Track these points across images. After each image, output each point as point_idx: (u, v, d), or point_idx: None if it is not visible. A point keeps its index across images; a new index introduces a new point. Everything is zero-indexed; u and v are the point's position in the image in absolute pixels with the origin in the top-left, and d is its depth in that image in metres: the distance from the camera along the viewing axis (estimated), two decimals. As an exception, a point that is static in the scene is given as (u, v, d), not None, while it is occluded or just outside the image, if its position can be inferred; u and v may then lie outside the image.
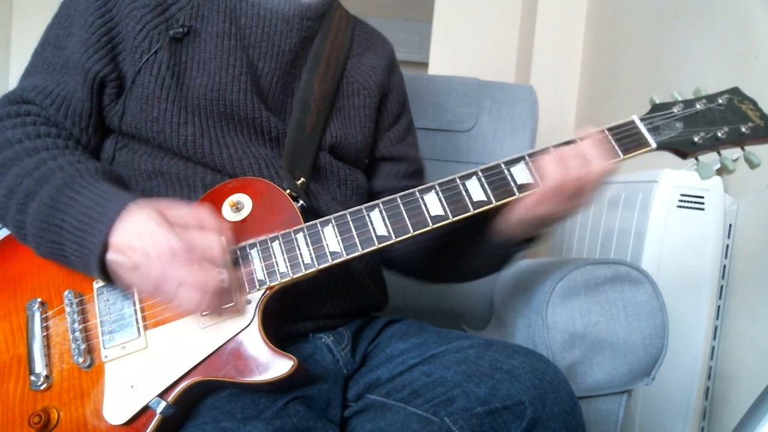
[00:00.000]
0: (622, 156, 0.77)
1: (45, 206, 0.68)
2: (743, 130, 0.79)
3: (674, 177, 1.22)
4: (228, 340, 0.68)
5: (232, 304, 0.68)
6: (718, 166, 0.82)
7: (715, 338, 1.25)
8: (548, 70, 2.16)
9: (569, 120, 2.16)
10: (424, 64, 2.56)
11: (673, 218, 1.22)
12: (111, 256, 0.64)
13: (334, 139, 0.90)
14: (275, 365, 0.67)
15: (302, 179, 0.83)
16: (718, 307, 1.25)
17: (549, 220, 0.78)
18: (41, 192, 0.68)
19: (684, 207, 1.22)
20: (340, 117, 0.93)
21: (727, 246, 1.24)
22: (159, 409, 0.65)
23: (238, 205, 0.74)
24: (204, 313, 0.69)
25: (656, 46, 1.63)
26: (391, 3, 4.00)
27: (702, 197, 1.21)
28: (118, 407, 0.66)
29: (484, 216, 0.81)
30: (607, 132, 0.78)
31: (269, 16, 0.85)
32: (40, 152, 0.73)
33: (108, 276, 0.67)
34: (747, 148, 0.81)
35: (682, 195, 1.22)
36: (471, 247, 0.88)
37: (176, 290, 0.63)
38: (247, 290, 0.70)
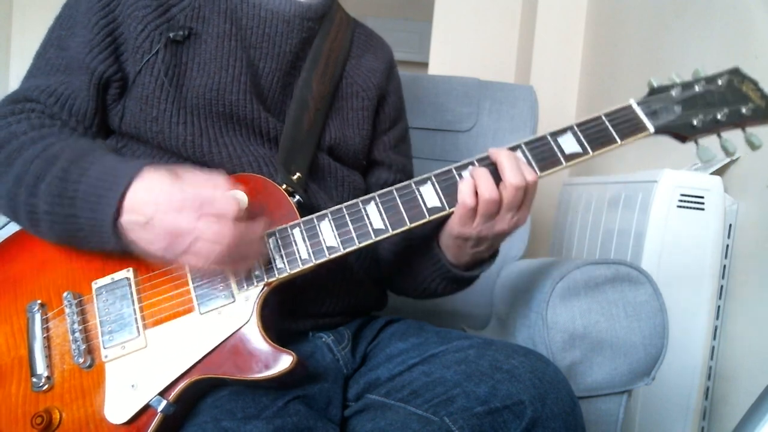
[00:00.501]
0: (619, 142, 0.76)
1: (58, 180, 0.67)
2: (744, 111, 0.78)
3: (674, 177, 1.22)
4: (227, 337, 0.68)
5: (253, 259, 0.68)
6: (724, 161, 0.81)
7: (715, 338, 1.25)
8: (548, 70, 2.16)
9: (569, 120, 2.15)
10: (424, 64, 2.56)
11: (673, 218, 1.22)
12: (124, 217, 0.64)
13: (332, 140, 0.90)
14: (274, 361, 0.67)
15: (298, 174, 0.83)
16: (718, 307, 1.25)
17: (481, 242, 0.78)
18: (52, 169, 0.68)
19: (684, 207, 1.22)
20: (339, 118, 0.93)
21: (727, 246, 1.24)
22: (160, 408, 0.65)
23: None
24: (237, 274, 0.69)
25: (656, 46, 1.63)
26: (391, 3, 4.00)
27: (702, 197, 1.21)
28: (119, 406, 0.66)
29: (433, 235, 0.82)
30: (603, 117, 0.77)
31: (270, 17, 0.85)
32: (45, 138, 0.73)
33: (125, 245, 0.66)
34: (748, 129, 0.79)
35: (682, 195, 1.22)
36: (421, 266, 0.88)
37: (190, 244, 0.62)
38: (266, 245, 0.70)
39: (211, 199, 0.63)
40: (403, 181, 0.87)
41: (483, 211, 0.73)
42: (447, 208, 0.74)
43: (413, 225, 0.73)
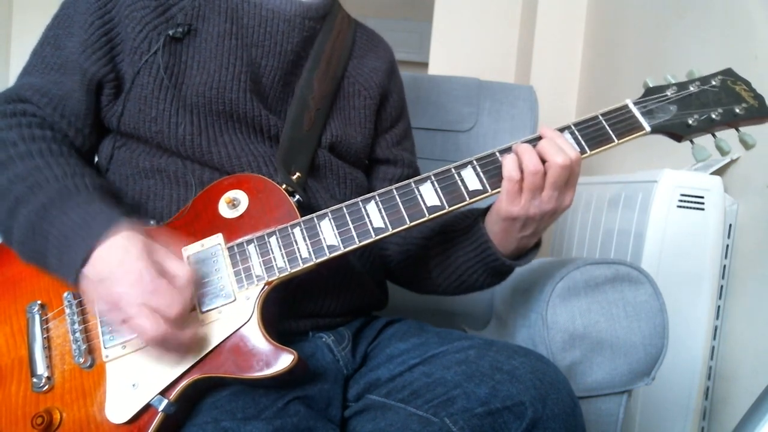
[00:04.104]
0: (616, 141, 0.77)
1: (35, 215, 0.68)
2: (737, 110, 0.79)
3: (674, 177, 1.22)
4: (228, 337, 0.68)
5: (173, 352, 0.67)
6: (724, 161, 0.82)
7: (715, 338, 1.25)
8: (548, 70, 2.16)
9: (569, 120, 2.16)
10: (424, 64, 2.56)
11: (673, 218, 1.22)
12: (85, 269, 0.65)
13: (334, 138, 0.90)
14: (275, 360, 0.67)
15: (298, 174, 0.83)
16: (718, 307, 1.25)
17: (528, 223, 0.78)
18: (33, 200, 0.68)
19: (684, 207, 1.22)
20: (341, 117, 0.93)
21: (727, 246, 1.24)
22: (161, 407, 0.65)
23: (234, 202, 0.75)
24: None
25: (656, 47, 1.63)
26: (391, 3, 4.00)
27: (702, 197, 1.21)
28: (120, 406, 0.66)
29: (477, 225, 0.82)
30: (600, 117, 0.78)
31: (271, 16, 0.85)
32: (34, 157, 0.73)
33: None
34: (742, 129, 0.81)
35: (682, 195, 1.22)
36: (464, 257, 0.87)
37: (120, 323, 0.64)
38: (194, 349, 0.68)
39: (160, 294, 0.63)
40: (411, 176, 0.88)
41: (529, 185, 0.73)
42: (447, 207, 0.74)
43: (413, 224, 0.73)
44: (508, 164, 0.74)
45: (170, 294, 0.64)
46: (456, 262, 0.87)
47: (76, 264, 0.64)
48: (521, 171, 0.73)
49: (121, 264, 0.63)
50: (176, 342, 0.65)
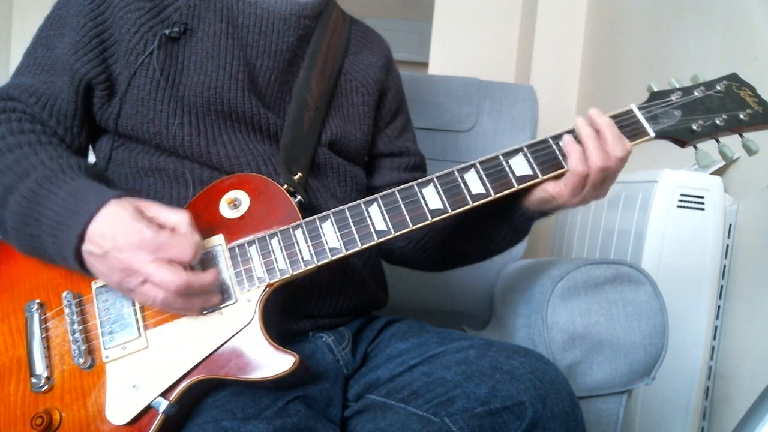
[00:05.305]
0: None
1: (24, 199, 0.68)
2: (742, 116, 0.78)
3: (674, 177, 1.22)
4: (229, 338, 0.68)
5: (213, 306, 0.68)
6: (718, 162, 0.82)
7: (715, 338, 1.25)
8: (548, 70, 2.16)
9: (569, 120, 2.14)
10: (424, 64, 2.56)
11: (673, 218, 1.22)
12: (84, 246, 0.65)
13: (333, 135, 0.90)
14: (277, 362, 0.67)
15: (299, 174, 0.83)
16: (718, 307, 1.25)
17: (567, 205, 0.79)
18: (21, 186, 0.69)
19: (684, 207, 1.22)
20: (339, 114, 0.93)
21: (727, 246, 1.24)
22: (161, 409, 0.65)
23: (236, 202, 0.75)
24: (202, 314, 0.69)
25: (656, 46, 1.63)
26: (391, 3, 4.00)
27: (702, 197, 1.21)
28: (120, 407, 0.66)
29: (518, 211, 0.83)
30: None
31: (266, 15, 0.85)
32: (22, 147, 0.73)
33: (87, 269, 0.67)
34: (745, 134, 0.80)
35: (682, 195, 1.22)
36: (496, 227, 0.88)
37: (140, 286, 0.64)
38: (222, 298, 0.69)
39: (168, 245, 0.64)
40: (419, 163, 0.86)
41: (594, 179, 0.75)
42: (449, 210, 0.74)
43: (415, 226, 0.73)
44: (574, 158, 0.74)
45: (178, 241, 0.64)
46: (496, 240, 0.90)
47: (72, 241, 0.65)
48: (588, 165, 0.74)
49: (119, 230, 0.64)
50: (200, 285, 0.65)
